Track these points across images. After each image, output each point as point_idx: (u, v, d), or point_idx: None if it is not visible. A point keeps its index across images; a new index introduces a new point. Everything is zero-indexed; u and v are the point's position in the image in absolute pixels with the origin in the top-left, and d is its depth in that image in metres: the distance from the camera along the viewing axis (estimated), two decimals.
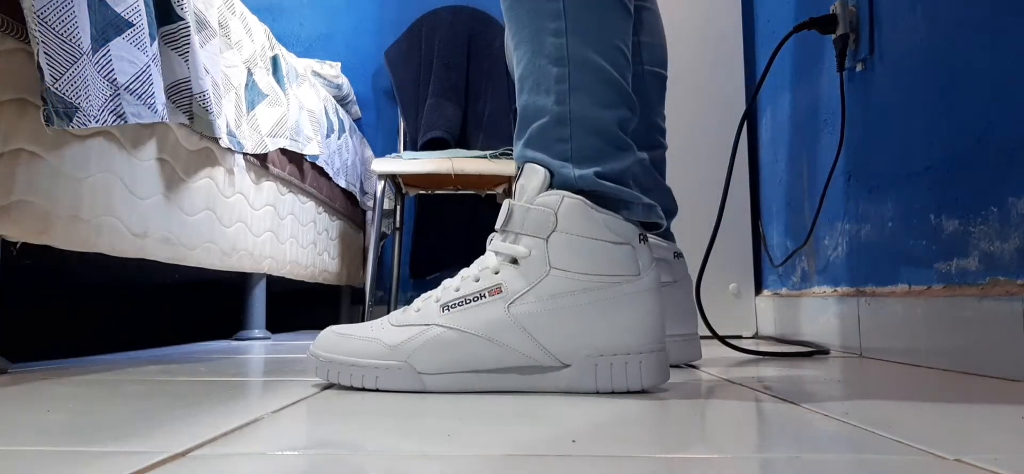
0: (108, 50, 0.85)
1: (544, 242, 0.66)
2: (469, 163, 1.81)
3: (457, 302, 0.66)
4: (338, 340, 0.69)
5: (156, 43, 0.97)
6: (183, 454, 0.39)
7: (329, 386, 0.69)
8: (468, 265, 0.71)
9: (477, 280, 0.67)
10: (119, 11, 0.88)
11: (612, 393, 0.64)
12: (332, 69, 2.13)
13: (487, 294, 0.66)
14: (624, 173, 0.69)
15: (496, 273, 0.66)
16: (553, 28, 0.69)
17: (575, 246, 0.65)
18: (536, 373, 0.65)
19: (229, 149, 1.25)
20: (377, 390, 0.66)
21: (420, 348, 0.65)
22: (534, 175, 0.68)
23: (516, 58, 0.73)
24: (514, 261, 0.66)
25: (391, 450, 0.41)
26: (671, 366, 0.89)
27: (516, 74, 0.73)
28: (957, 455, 0.39)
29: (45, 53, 0.74)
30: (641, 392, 0.65)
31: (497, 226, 0.69)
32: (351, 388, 0.67)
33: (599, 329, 0.64)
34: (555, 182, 0.68)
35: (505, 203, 0.68)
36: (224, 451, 0.41)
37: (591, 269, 0.65)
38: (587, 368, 0.64)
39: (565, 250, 0.65)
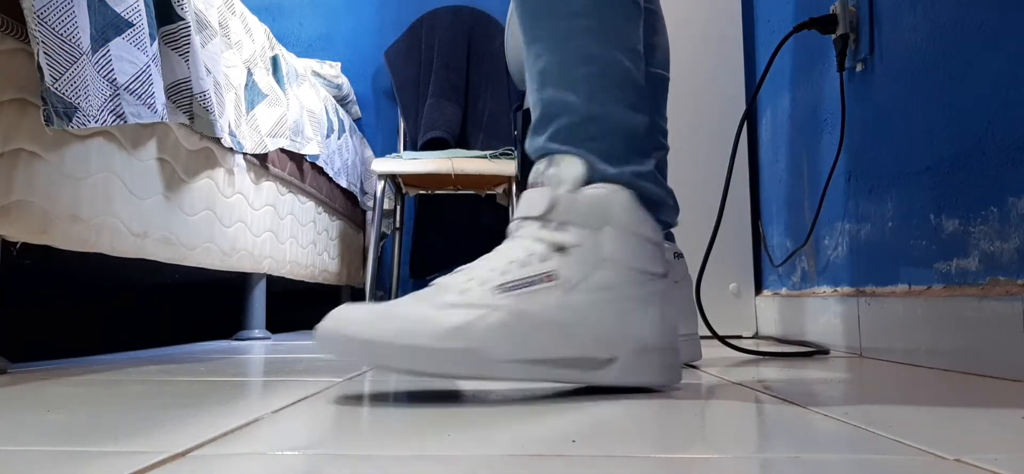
0: (108, 50, 0.85)
1: (595, 233, 0.65)
2: (469, 163, 1.81)
3: (514, 284, 0.62)
4: (378, 320, 0.60)
5: (156, 43, 0.97)
6: (183, 454, 0.39)
7: (330, 385, 0.69)
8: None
9: (524, 265, 0.63)
10: (119, 11, 0.88)
11: (635, 391, 0.64)
12: (332, 69, 2.13)
13: (543, 280, 0.63)
14: (649, 175, 0.70)
15: (544, 260, 0.64)
16: (580, 27, 0.69)
17: (625, 241, 0.65)
18: (588, 368, 0.63)
19: (229, 149, 1.25)
20: (432, 375, 0.61)
21: (488, 331, 0.60)
22: (570, 165, 0.66)
23: (532, 53, 0.71)
24: (561, 249, 0.64)
25: (391, 450, 0.41)
26: None
27: (532, 69, 0.72)
28: (957, 455, 0.39)
29: (45, 53, 0.74)
30: (641, 392, 0.65)
31: (534, 212, 0.66)
32: (400, 372, 0.63)
33: (643, 323, 0.65)
34: (596, 176, 0.67)
35: (540, 191, 0.66)
36: (224, 451, 0.41)
37: (637, 264, 0.65)
38: (632, 362, 0.64)
39: (616, 243, 0.65)
